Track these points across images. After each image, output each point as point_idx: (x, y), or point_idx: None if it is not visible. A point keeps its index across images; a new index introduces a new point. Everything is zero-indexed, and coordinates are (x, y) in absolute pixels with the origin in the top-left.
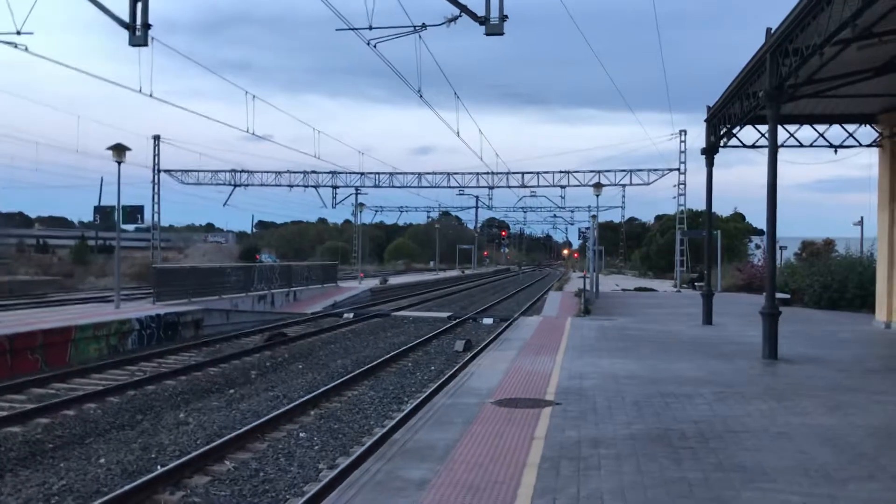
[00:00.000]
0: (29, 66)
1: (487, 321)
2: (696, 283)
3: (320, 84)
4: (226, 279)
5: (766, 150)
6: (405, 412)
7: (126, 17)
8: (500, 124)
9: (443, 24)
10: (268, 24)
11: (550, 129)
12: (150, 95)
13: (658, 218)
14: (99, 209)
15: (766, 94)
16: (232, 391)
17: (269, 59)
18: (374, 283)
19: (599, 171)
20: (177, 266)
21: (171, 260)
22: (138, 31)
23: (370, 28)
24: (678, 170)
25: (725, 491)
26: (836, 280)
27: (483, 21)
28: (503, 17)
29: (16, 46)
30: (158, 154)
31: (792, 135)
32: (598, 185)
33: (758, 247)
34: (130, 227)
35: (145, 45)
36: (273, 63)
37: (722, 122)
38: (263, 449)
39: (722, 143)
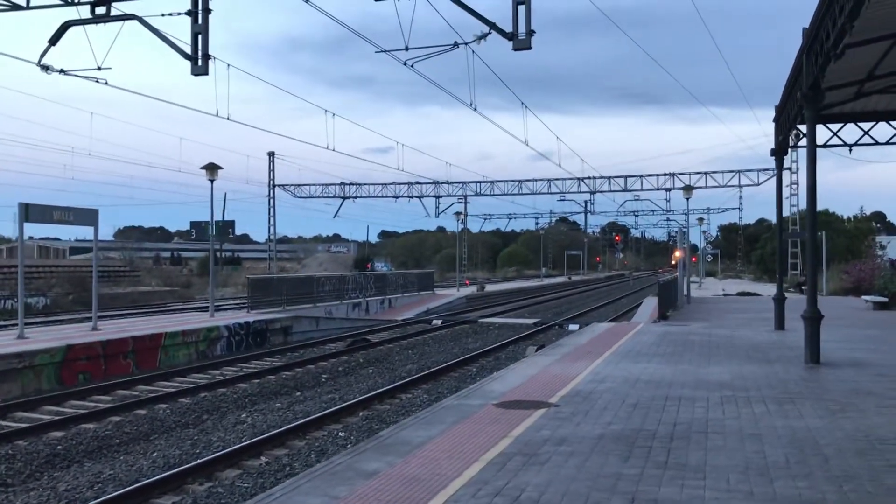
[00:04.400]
0: (113, 96)
1: (573, 327)
2: (802, 287)
3: (437, 95)
4: (320, 288)
5: (876, 149)
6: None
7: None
8: (616, 126)
9: (473, 41)
10: (387, 39)
11: (668, 129)
12: (228, 118)
13: (785, 220)
14: (194, 224)
15: (803, 96)
16: (298, 393)
17: (389, 73)
18: (472, 290)
19: (706, 173)
20: (270, 276)
21: (288, 270)
22: (200, 62)
23: (406, 49)
24: (789, 169)
25: (647, 486)
26: None
27: (511, 37)
28: (530, 33)
29: (97, 81)
30: (273, 169)
31: (866, 132)
32: (688, 188)
33: (882, 247)
34: (261, 238)
35: (206, 74)
36: (393, 77)
37: (788, 121)
38: (301, 446)
39: (792, 144)
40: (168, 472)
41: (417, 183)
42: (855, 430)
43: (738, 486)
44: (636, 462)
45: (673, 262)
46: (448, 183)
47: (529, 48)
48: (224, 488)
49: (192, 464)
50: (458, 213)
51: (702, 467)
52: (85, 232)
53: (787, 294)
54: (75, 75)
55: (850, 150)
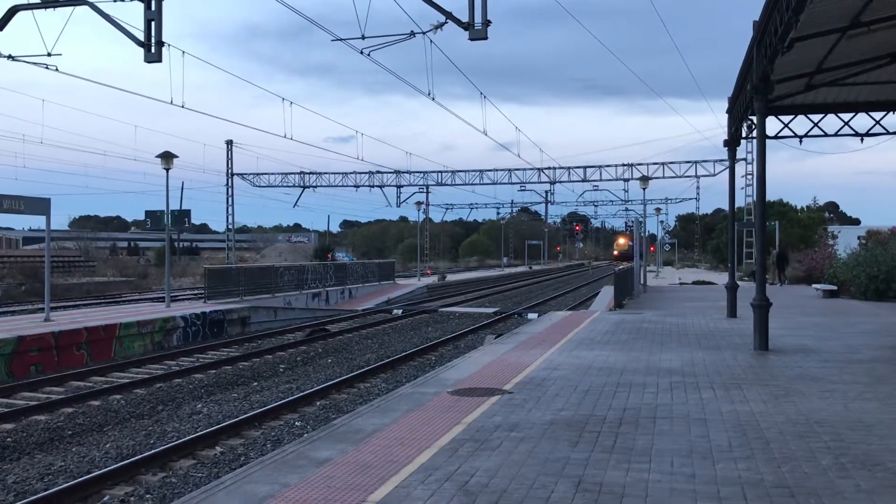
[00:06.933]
0: (65, 83)
1: (532, 316)
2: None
3: (399, 84)
4: (278, 278)
5: (827, 140)
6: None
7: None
8: (579, 116)
9: (430, 30)
10: (347, 28)
11: (629, 120)
12: (182, 106)
13: (740, 210)
14: (149, 213)
15: (753, 88)
16: (256, 384)
17: (351, 62)
18: (434, 280)
19: (664, 163)
20: (228, 266)
21: (247, 260)
22: (153, 49)
23: (363, 38)
24: (744, 159)
25: (594, 470)
26: (882, 270)
27: (467, 27)
28: (486, 23)
29: (47, 67)
30: (231, 158)
31: (816, 124)
32: (644, 179)
33: (834, 237)
34: (220, 228)
35: (159, 61)
36: (355, 65)
37: (741, 112)
38: (256, 436)
39: (745, 135)
40: (121, 463)
41: (378, 172)
42: (797, 414)
43: (681, 468)
44: (584, 447)
45: (616, 252)
46: (409, 172)
47: (486, 38)
48: (178, 478)
49: (146, 454)
50: (419, 203)
51: (648, 451)
52: (39, 221)
53: (740, 282)
54: (24, 61)
55: (801, 142)
